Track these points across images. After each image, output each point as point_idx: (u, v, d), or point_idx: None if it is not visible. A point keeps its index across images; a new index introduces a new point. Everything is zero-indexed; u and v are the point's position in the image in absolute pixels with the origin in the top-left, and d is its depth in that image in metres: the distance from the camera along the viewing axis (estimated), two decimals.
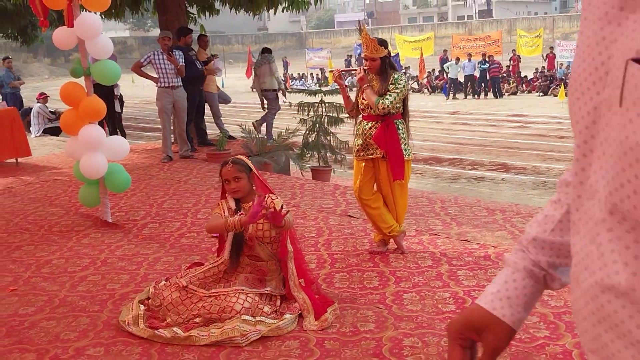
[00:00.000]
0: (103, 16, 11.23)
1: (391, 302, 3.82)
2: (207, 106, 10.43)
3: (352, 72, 5.09)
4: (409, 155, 4.65)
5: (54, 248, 5.18)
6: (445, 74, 26.09)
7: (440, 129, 17.69)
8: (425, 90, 27.52)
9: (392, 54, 22.40)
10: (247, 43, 57.42)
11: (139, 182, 7.79)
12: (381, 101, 4.50)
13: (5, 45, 41.47)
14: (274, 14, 10.89)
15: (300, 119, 10.00)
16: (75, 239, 5.41)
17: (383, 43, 4.66)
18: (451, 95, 24.58)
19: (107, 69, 5.53)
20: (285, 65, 36.56)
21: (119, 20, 11.63)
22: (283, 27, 70.72)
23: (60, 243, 5.32)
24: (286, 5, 10.40)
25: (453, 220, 5.54)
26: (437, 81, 27.27)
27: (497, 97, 24.03)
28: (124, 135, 12.46)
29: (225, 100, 11.21)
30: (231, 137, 10.61)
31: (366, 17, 72.83)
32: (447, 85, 25.09)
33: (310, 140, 9.77)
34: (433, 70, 28.49)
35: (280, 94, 10.94)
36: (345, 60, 39.35)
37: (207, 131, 10.82)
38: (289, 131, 9.77)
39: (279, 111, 11.28)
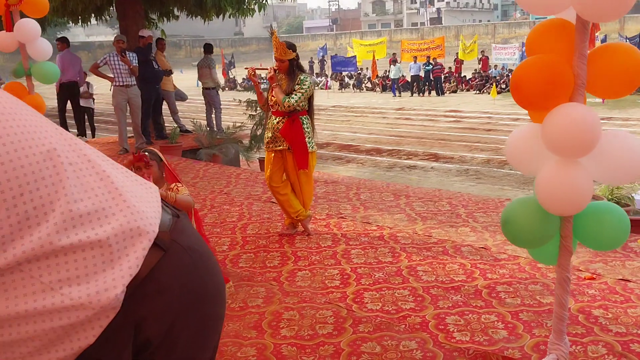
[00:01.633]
0: (80, 22, 10.97)
1: (285, 279, 3.77)
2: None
3: (265, 70, 4.99)
4: (312, 147, 4.59)
5: None
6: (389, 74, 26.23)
7: (385, 123, 17.69)
8: (377, 89, 27.53)
9: (349, 56, 22.21)
10: (224, 46, 56.86)
11: None
12: (287, 99, 4.44)
13: None
14: (222, 19, 10.70)
15: (249, 115, 9.90)
16: None
17: (291, 47, 4.59)
18: (398, 93, 24.66)
19: (47, 69, 5.36)
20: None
21: (106, 26, 11.35)
22: (257, 32, 70.08)
23: None
24: (232, 12, 10.23)
25: (362, 205, 5.51)
26: (387, 81, 27.30)
27: (439, 95, 24.14)
28: (93, 129, 12.21)
29: (182, 97, 11.03)
30: (187, 131, 10.46)
31: (331, 24, 72.60)
32: (394, 85, 25.18)
33: (257, 133, 9.68)
34: (385, 71, 28.51)
35: (218, 91, 10.97)
36: (309, 62, 39.15)
37: (167, 126, 10.65)
38: (237, 125, 9.66)
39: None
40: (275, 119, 4.56)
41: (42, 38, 5.31)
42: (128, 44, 8.78)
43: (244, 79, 35.09)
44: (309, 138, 4.56)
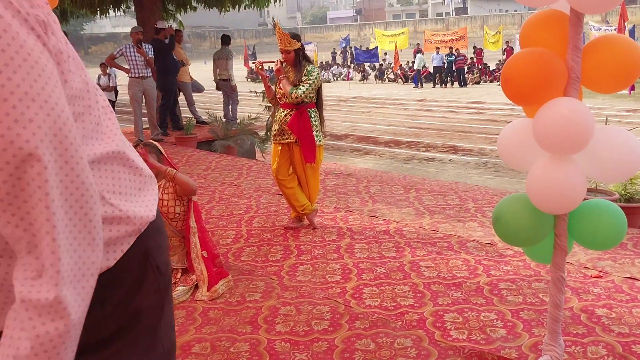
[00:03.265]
0: (98, 13, 11.07)
1: (285, 273, 3.75)
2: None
3: (272, 63, 4.96)
4: (320, 141, 4.55)
5: None
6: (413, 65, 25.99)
7: (405, 115, 17.54)
8: (400, 80, 27.30)
9: (371, 47, 22.11)
10: (248, 37, 56.92)
11: None
12: (295, 91, 4.40)
13: None
14: (238, 11, 10.68)
15: (265, 106, 9.89)
16: None
17: (296, 37, 4.54)
18: (420, 84, 24.42)
19: None
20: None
21: (132, 16, 11.37)
22: (282, 23, 69.73)
23: None
24: (248, 3, 10.20)
25: (371, 198, 5.46)
26: (410, 72, 27.05)
27: (461, 86, 23.84)
28: None
29: (199, 89, 11.07)
30: (204, 123, 10.49)
31: (355, 14, 72.15)
32: (417, 76, 24.95)
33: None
34: (407, 62, 28.25)
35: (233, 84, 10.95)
36: (332, 52, 39.02)
37: (183, 116, 10.70)
38: (252, 117, 9.65)
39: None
40: (283, 112, 4.53)
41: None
42: (145, 36, 8.82)
43: (265, 69, 35.20)
44: (316, 131, 4.51)
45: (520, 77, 2.03)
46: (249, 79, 32.22)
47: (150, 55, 8.52)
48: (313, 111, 4.55)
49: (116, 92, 13.15)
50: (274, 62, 4.81)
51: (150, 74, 8.64)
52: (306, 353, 2.75)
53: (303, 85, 4.42)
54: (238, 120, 10.26)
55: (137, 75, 8.53)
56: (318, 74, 4.54)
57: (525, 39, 2.15)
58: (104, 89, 12.00)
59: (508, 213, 2.23)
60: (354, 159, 11.50)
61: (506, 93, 2.12)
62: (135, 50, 8.43)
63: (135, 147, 3.69)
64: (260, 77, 4.91)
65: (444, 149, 12.23)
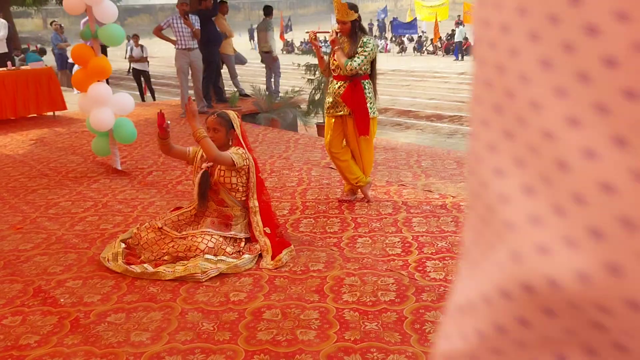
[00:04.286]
0: None
1: (345, 245, 3.80)
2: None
3: (326, 34, 4.93)
4: (374, 113, 4.54)
5: (65, 192, 5.26)
6: (453, 37, 25.54)
7: (446, 88, 17.31)
8: (439, 53, 26.91)
9: (410, 19, 21.69)
10: (283, 9, 56.60)
11: (156, 134, 7.80)
12: (350, 62, 4.38)
13: (63, 12, 41.58)
14: None
15: (308, 79, 9.88)
16: (86, 184, 5.48)
17: (353, 7, 4.50)
18: (460, 57, 24.03)
19: (113, 31, 5.49)
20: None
21: None
22: None
23: (71, 187, 5.39)
24: None
25: (423, 173, 5.45)
26: (450, 44, 26.62)
27: None
28: (152, 92, 12.50)
29: (242, 61, 11.09)
30: (246, 96, 10.54)
31: None
32: (457, 49, 24.55)
33: (315, 98, 9.67)
34: (447, 34, 27.78)
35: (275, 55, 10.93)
36: (369, 24, 38.56)
37: (226, 89, 10.77)
38: (295, 90, 9.66)
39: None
40: (337, 84, 4.53)
41: (108, 0, 5.42)
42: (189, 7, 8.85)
43: (302, 42, 35.00)
44: (370, 103, 4.50)
45: None
46: (284, 52, 32.15)
47: (197, 27, 8.56)
48: (367, 83, 4.53)
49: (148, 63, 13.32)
50: (328, 32, 4.80)
51: (197, 46, 8.70)
52: (376, 322, 2.81)
53: (358, 57, 4.40)
54: (280, 94, 10.28)
55: (184, 47, 8.59)
56: (374, 45, 4.51)
57: None
58: (137, 61, 12.13)
59: None
60: (395, 133, 11.44)
61: None
62: (182, 22, 8.48)
63: (210, 115, 3.78)
64: (313, 48, 4.90)
65: None
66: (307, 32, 4.78)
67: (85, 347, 2.72)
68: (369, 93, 4.50)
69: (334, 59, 4.51)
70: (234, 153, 3.66)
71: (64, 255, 3.78)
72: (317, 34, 4.81)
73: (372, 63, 4.54)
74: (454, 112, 13.57)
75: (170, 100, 12.60)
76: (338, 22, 4.50)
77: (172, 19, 8.57)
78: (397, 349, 2.59)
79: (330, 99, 4.55)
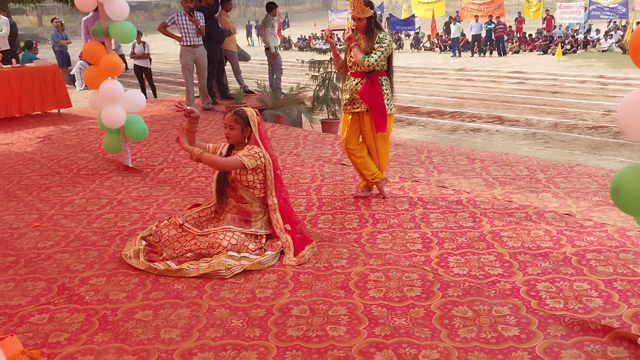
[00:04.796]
0: None
1: (365, 241, 3.80)
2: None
3: (342, 31, 4.92)
4: (391, 109, 4.54)
5: (78, 189, 5.24)
6: (450, 34, 25.58)
7: (445, 85, 17.34)
8: (436, 49, 26.91)
9: (407, 16, 21.81)
10: (278, 5, 56.37)
11: (163, 131, 7.80)
12: (367, 59, 4.38)
13: (60, 9, 41.32)
14: None
15: (312, 76, 9.87)
16: (99, 182, 5.46)
17: (369, 4, 4.49)
18: (458, 53, 24.05)
19: (124, 29, 5.46)
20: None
21: None
22: None
23: (84, 185, 5.37)
24: None
25: (435, 169, 5.46)
26: (447, 40, 26.62)
27: (501, 55, 23.42)
28: (154, 89, 12.44)
29: (245, 57, 11.05)
30: (250, 92, 10.51)
31: None
32: (454, 45, 24.57)
33: (320, 95, 9.66)
34: (443, 29, 27.79)
35: (275, 51, 10.86)
36: None
37: (229, 86, 10.74)
38: (300, 87, 9.64)
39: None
40: (354, 80, 4.52)
41: None
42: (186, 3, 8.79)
43: (299, 38, 34.93)
44: (387, 100, 4.50)
45: None
46: (281, 48, 32.06)
47: (201, 24, 8.53)
48: (384, 79, 4.53)
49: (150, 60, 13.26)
50: (344, 29, 4.79)
51: (202, 43, 8.67)
52: (404, 318, 2.81)
53: (375, 53, 4.39)
54: (285, 90, 10.26)
55: (189, 44, 8.56)
56: (390, 41, 4.50)
57: None
58: (139, 57, 12.06)
59: (629, 182, 2.22)
60: (398, 129, 11.44)
61: (634, 58, 2.10)
62: (187, 19, 8.45)
63: (227, 112, 3.77)
64: (330, 45, 4.89)
65: (489, 120, 12.10)
66: (323, 31, 4.77)
67: (116, 344, 2.71)
68: (386, 89, 4.50)
69: (351, 56, 4.51)
70: (245, 155, 3.63)
71: (84, 253, 3.77)
72: (333, 32, 4.80)
73: (389, 59, 4.53)
74: (455, 108, 13.59)
75: (174, 97, 12.57)
76: (354, 18, 4.50)
77: (177, 15, 8.55)
78: (428, 344, 2.60)
79: (348, 96, 4.54)
